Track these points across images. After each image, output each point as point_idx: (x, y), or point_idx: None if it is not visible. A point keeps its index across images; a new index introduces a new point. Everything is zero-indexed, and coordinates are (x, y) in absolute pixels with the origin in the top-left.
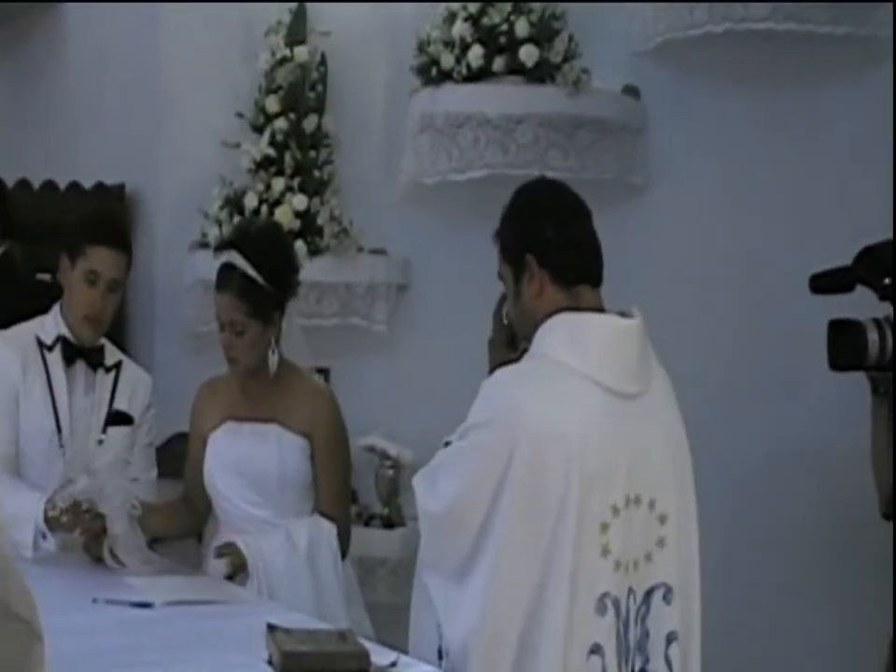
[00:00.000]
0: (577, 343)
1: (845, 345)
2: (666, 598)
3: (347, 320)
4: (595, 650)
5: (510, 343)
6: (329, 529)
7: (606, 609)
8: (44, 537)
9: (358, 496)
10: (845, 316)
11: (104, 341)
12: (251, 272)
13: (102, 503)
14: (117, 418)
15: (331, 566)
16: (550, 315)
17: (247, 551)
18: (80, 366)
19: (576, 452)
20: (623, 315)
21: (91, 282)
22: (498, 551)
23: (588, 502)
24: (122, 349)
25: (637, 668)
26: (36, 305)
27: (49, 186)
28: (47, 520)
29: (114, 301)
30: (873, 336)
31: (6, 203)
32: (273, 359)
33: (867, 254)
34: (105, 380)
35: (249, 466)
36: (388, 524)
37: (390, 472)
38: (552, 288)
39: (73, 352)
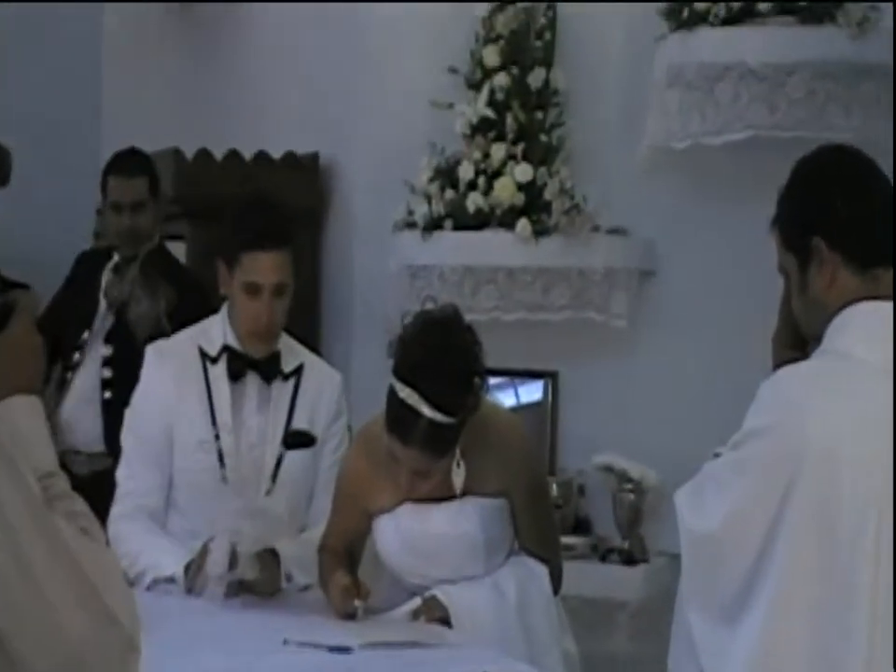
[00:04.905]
0: (879, 339)
1: None
2: None
3: (580, 314)
4: None
5: (796, 343)
6: (540, 572)
7: None
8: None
9: (593, 525)
10: None
11: (281, 343)
12: (439, 417)
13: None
14: (295, 439)
15: (544, 613)
16: (845, 305)
17: (449, 602)
18: (252, 378)
19: (876, 467)
20: None
21: (252, 293)
22: (780, 584)
23: (892, 528)
24: (314, 350)
25: None
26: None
27: (233, 157)
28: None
29: (283, 305)
30: None
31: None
32: (458, 474)
33: None
34: (283, 391)
35: (450, 551)
36: (629, 559)
37: (631, 497)
38: (845, 274)
39: (241, 364)
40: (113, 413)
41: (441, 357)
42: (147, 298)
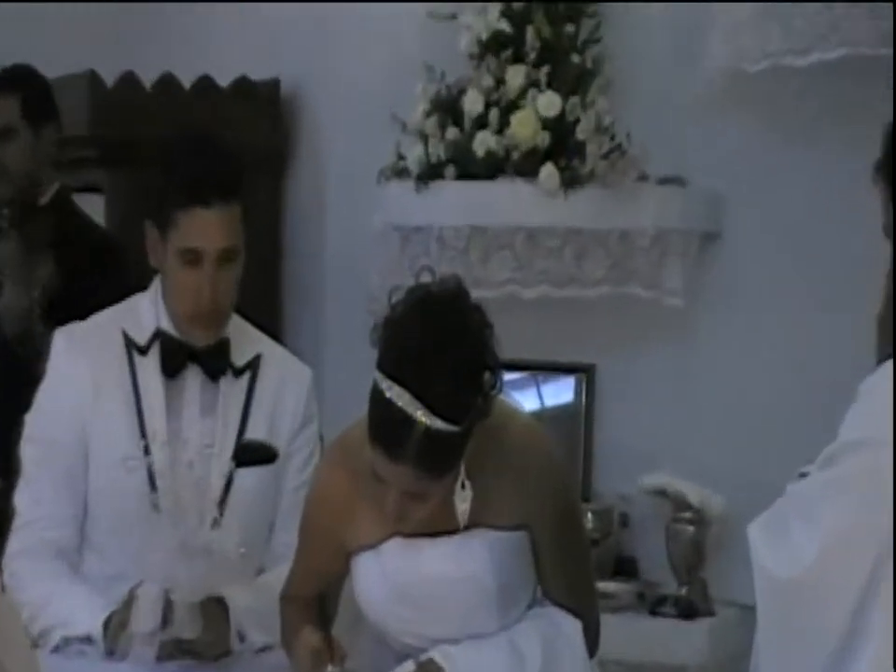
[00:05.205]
0: None
1: None
2: None
3: (621, 289)
4: None
5: None
6: (571, 629)
7: None
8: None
9: (640, 567)
10: None
11: (231, 328)
12: (439, 425)
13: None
14: (250, 454)
15: None
16: None
17: (452, 667)
18: (193, 374)
19: None
20: None
21: (191, 263)
22: (889, 636)
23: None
24: (274, 337)
25: None
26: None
27: (167, 83)
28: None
29: (232, 278)
30: None
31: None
32: (463, 499)
33: None
34: (234, 391)
35: (452, 600)
36: (688, 611)
37: (690, 530)
38: None
39: (178, 355)
40: None
41: (440, 345)
42: (17, 282)
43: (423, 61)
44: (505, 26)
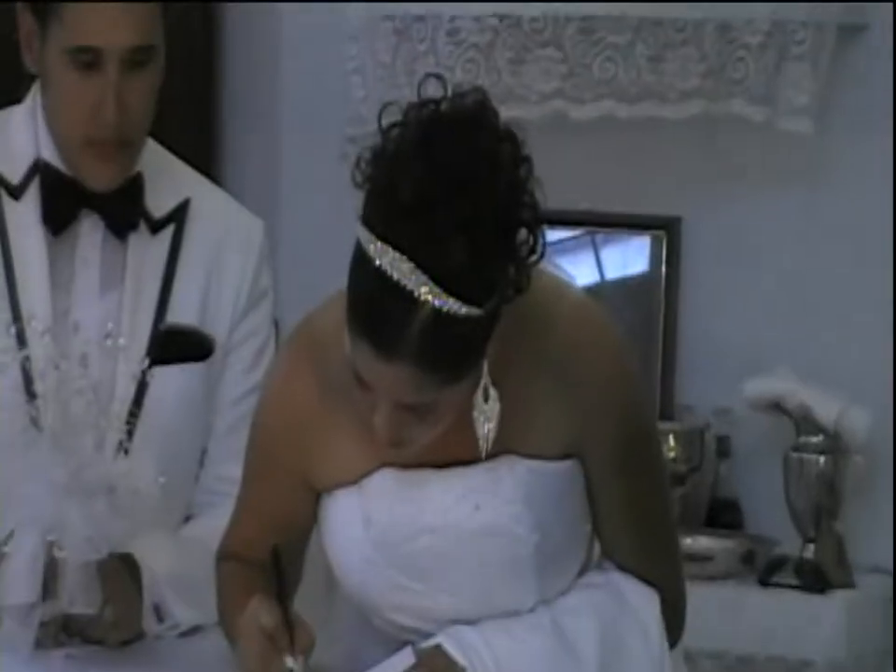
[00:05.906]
0: None
1: None
2: None
3: (720, 106)
4: None
5: None
6: (643, 603)
7: None
8: None
9: (745, 516)
10: None
11: (145, 162)
12: (451, 306)
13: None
14: (174, 346)
15: None
16: None
17: (467, 659)
18: (90, 228)
19: None
20: None
21: (85, 67)
22: None
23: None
24: (208, 175)
25: None
26: None
27: None
28: None
29: (146, 86)
30: None
31: None
32: (486, 415)
33: None
34: (150, 253)
35: (466, 561)
36: (816, 581)
37: (820, 462)
38: None
39: (70, 202)
40: None
41: (455, 190)
42: None
43: None
44: None
